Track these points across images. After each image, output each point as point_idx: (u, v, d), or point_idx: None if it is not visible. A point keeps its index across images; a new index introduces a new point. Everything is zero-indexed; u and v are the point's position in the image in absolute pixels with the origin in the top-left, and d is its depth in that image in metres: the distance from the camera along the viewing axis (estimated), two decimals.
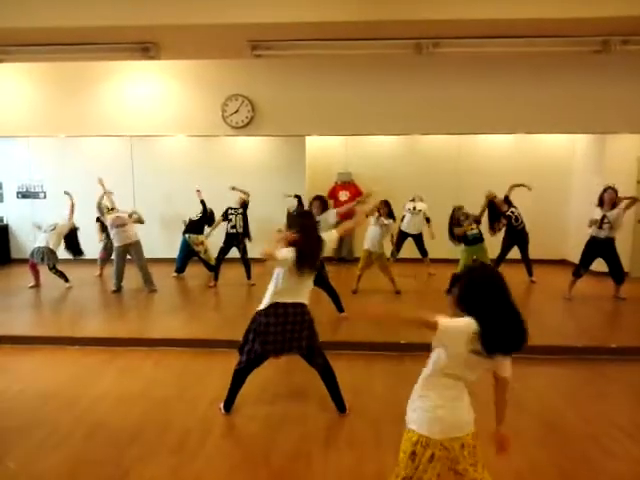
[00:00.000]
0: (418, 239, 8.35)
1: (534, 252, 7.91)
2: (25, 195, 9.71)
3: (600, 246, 6.55)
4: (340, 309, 6.05)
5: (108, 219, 7.34)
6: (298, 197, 8.21)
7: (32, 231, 8.44)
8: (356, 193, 9.31)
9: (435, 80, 5.88)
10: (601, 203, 6.53)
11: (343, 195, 9.50)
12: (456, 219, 6.74)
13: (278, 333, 3.57)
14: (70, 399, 4.03)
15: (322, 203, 6.31)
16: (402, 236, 8.32)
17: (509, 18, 4.25)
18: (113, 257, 7.56)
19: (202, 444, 3.38)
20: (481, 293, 2.04)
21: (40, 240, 7.36)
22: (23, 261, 8.56)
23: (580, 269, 6.72)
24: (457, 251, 7.01)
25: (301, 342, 3.66)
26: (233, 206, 7.80)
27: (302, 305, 3.63)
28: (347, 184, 9.53)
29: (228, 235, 7.72)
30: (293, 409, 3.89)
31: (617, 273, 6.60)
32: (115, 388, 4.27)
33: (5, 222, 9.83)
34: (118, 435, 3.50)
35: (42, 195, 9.65)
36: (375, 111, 5.97)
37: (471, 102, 5.85)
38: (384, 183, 8.90)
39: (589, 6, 4.17)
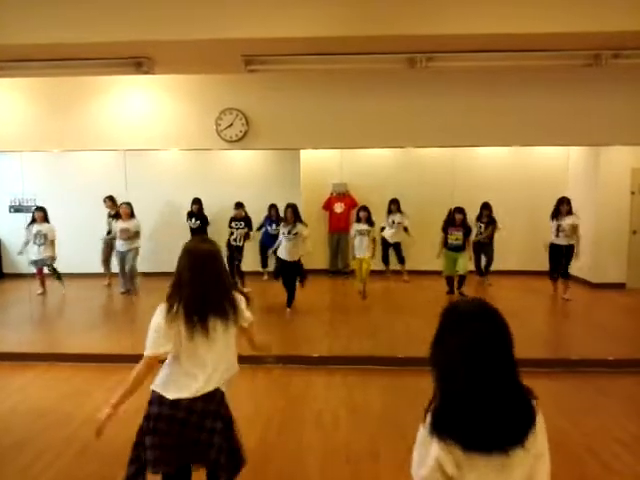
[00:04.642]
0: (397, 247, 8.60)
1: (531, 264, 7.98)
2: (18, 209, 9.61)
3: (560, 250, 7.46)
4: (289, 304, 6.86)
5: (118, 227, 7.70)
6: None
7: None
8: (351, 204, 9.30)
9: (429, 94, 5.91)
10: (557, 214, 7.44)
11: (338, 207, 9.46)
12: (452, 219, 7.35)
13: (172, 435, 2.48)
14: (62, 417, 3.98)
15: (294, 211, 6.92)
16: (385, 245, 8.57)
17: (502, 33, 4.27)
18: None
19: None
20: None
21: (40, 252, 7.45)
22: (15, 276, 8.49)
23: (552, 273, 7.57)
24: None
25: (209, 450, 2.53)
26: (237, 218, 8.16)
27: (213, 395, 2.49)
28: (342, 195, 9.48)
29: (230, 247, 8.00)
30: (289, 424, 3.84)
31: (565, 271, 7.41)
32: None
33: None
34: (111, 452, 3.43)
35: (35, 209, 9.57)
36: (369, 125, 5.97)
37: (465, 115, 5.87)
38: (379, 193, 8.96)
39: (581, 21, 4.21)
